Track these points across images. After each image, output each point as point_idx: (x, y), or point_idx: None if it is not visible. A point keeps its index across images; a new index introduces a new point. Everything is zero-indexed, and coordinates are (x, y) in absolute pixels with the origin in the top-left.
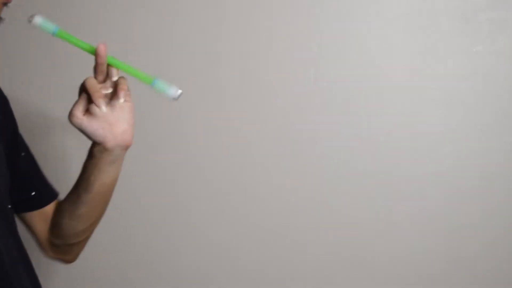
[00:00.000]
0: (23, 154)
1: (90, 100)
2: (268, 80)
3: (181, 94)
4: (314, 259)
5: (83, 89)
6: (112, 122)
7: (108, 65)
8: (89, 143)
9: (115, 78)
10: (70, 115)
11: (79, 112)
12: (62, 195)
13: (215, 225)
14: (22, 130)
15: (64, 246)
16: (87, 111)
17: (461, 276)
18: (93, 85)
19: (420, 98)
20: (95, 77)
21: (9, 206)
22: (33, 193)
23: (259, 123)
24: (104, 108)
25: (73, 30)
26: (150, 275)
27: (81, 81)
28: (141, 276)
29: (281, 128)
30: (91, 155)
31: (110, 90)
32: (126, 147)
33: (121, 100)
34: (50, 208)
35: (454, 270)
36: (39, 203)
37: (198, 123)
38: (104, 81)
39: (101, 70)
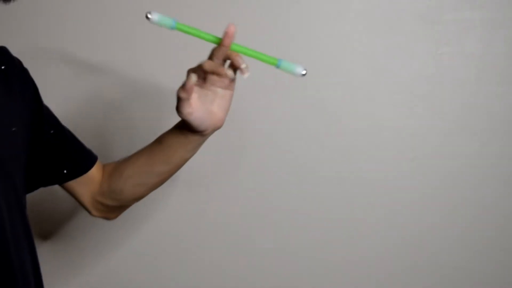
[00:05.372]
0: (52, 132)
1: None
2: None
3: (306, 72)
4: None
5: (198, 72)
6: (214, 111)
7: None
8: None
9: (243, 66)
10: (182, 101)
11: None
12: None
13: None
14: None
15: (117, 207)
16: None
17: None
18: (215, 66)
19: (383, 102)
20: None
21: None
22: (65, 171)
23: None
24: (220, 90)
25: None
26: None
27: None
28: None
29: (250, 128)
30: (181, 133)
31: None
32: (215, 130)
33: (245, 75)
34: (92, 172)
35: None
36: (76, 174)
37: None
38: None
39: (223, 53)
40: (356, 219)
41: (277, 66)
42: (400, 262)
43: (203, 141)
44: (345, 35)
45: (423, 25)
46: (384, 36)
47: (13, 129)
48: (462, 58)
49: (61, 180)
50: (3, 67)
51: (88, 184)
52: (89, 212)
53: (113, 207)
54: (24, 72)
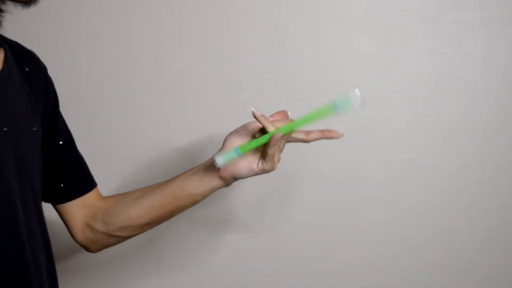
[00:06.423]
0: (61, 143)
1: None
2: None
3: (361, 97)
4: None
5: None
6: (238, 167)
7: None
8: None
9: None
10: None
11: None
12: None
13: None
14: None
15: (103, 234)
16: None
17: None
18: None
19: (383, 102)
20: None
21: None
22: (62, 185)
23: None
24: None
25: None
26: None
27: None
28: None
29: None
30: (199, 169)
31: None
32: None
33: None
34: (90, 197)
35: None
36: (75, 194)
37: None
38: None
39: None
40: (356, 219)
41: (336, 111)
42: (400, 261)
43: (209, 190)
44: (345, 35)
45: (423, 25)
46: (384, 36)
47: (34, 129)
48: (462, 58)
49: (57, 197)
50: (26, 69)
51: (83, 208)
52: (73, 236)
53: (99, 234)
54: (47, 79)
